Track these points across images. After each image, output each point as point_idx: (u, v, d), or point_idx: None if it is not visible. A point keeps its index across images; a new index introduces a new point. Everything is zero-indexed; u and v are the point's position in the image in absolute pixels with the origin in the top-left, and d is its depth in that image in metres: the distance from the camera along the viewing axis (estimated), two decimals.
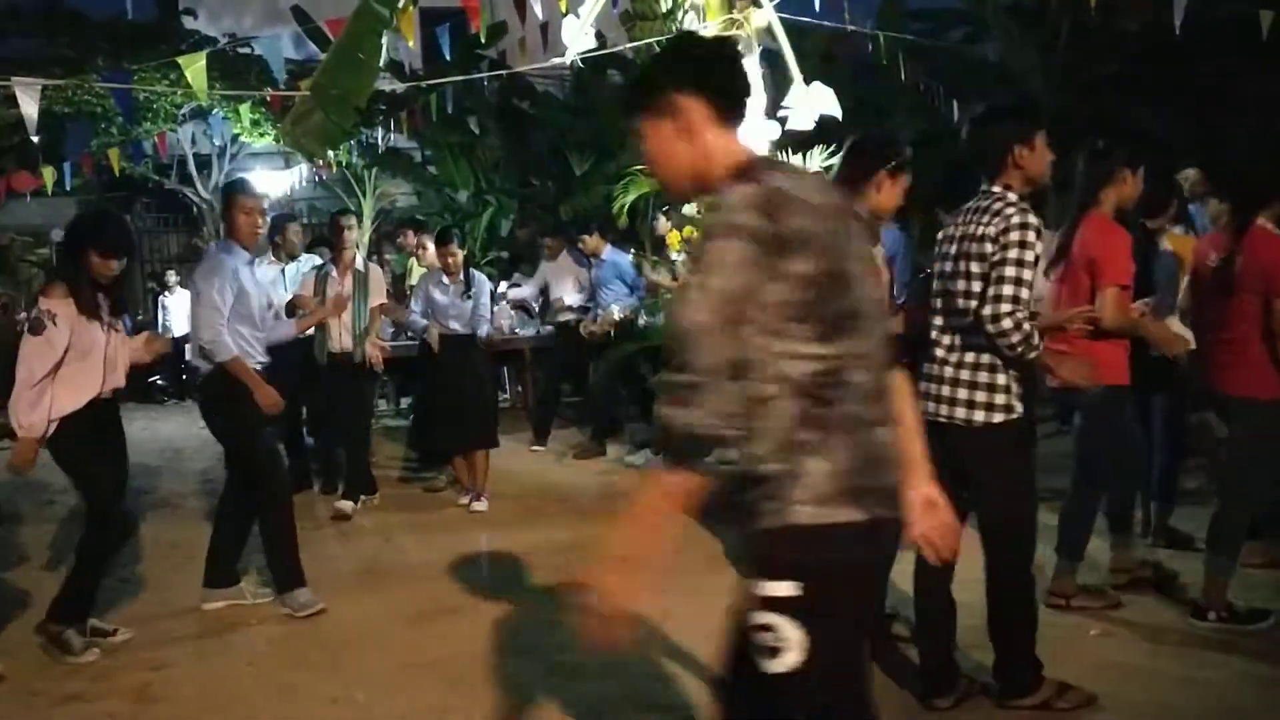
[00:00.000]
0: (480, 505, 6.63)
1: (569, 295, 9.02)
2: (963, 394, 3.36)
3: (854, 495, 1.83)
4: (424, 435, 7.35)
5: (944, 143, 10.70)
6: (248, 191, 5.02)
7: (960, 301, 3.37)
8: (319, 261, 7.27)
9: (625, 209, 6.91)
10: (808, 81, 6.39)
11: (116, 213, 6.83)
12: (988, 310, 3.23)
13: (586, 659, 4.08)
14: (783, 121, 6.33)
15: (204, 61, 5.89)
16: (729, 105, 2.01)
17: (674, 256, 7.65)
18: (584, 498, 6.92)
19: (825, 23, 7.96)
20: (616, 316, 8.25)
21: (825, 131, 6.46)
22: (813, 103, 6.32)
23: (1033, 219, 3.26)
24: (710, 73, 2.00)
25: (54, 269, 4.64)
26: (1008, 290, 3.20)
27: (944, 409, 3.40)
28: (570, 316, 8.87)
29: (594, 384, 7.52)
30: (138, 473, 6.45)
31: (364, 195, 13.73)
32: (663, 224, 7.64)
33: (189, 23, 14.44)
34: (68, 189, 9.43)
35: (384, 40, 5.55)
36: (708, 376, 1.75)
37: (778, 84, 6.47)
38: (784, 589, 1.84)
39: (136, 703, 3.90)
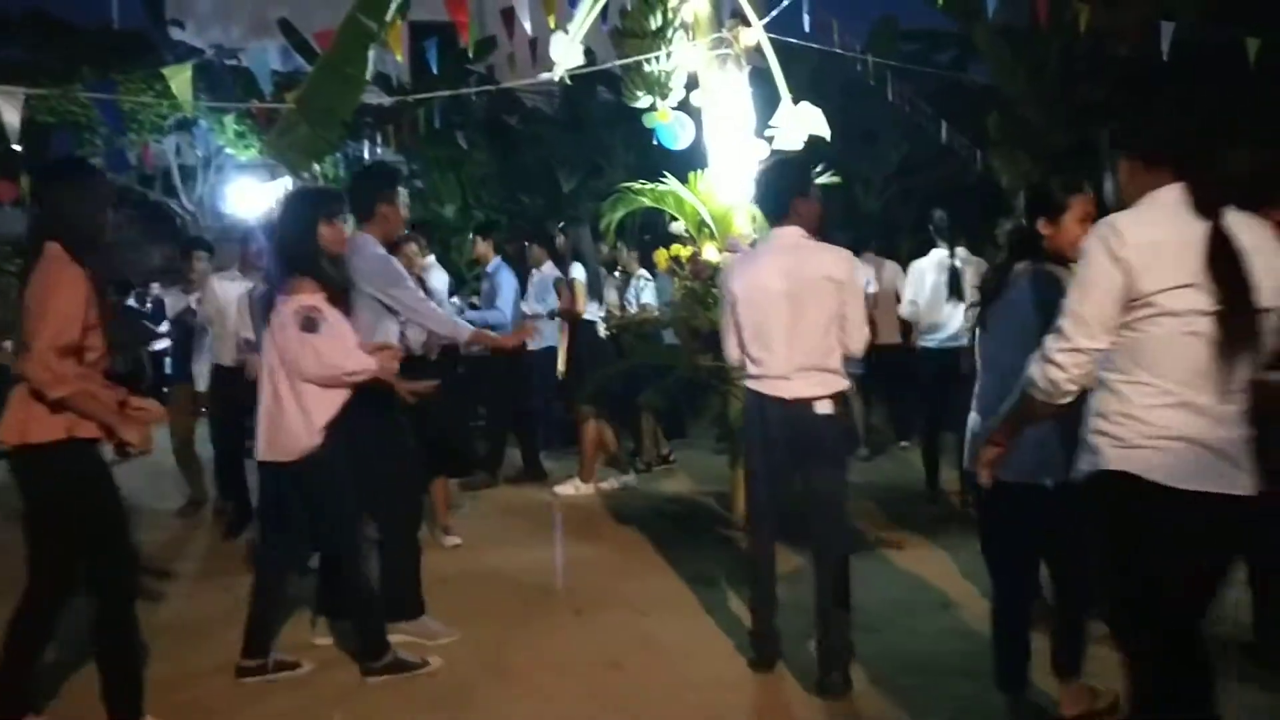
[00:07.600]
0: (454, 539, 6.16)
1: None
2: None
3: None
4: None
5: (933, 165, 10.80)
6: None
7: None
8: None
9: (613, 226, 6.83)
10: (796, 101, 6.38)
11: None
12: None
13: (571, 681, 4.03)
14: (770, 140, 6.32)
15: (189, 73, 5.83)
16: None
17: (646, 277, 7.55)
18: (573, 518, 6.86)
19: (814, 45, 7.96)
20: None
21: (813, 151, 6.44)
22: (801, 122, 6.31)
23: None
24: None
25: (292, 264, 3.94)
26: None
27: None
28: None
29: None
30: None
31: None
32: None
33: (176, 34, 14.42)
34: None
35: (371, 54, 5.53)
36: None
37: (766, 103, 6.45)
38: None
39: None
